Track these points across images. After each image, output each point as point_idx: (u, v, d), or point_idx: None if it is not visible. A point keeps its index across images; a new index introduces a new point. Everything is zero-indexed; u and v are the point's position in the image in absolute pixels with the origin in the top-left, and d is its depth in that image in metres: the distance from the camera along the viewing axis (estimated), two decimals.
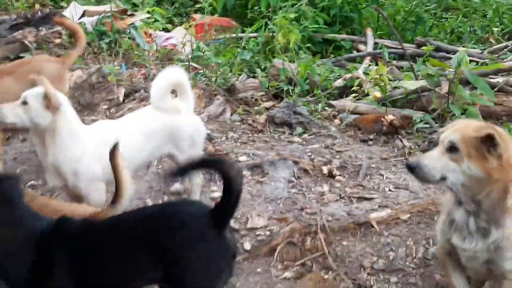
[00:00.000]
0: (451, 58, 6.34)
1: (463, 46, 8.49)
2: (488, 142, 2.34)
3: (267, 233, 3.60)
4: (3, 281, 2.41)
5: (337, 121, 5.72)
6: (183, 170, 2.45)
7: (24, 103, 3.23)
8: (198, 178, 3.96)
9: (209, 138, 5.05)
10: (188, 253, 2.28)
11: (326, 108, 5.93)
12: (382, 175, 4.40)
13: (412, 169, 2.51)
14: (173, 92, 3.92)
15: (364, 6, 9.52)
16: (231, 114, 5.83)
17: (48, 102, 3.21)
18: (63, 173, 3.34)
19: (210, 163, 2.55)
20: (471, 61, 6.90)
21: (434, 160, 2.46)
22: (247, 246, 3.47)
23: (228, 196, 2.34)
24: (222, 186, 2.37)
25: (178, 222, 2.34)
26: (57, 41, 7.89)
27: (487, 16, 10.52)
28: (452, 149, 2.43)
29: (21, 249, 2.37)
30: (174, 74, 3.76)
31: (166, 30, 8.74)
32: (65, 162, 3.31)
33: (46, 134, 3.27)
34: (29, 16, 9.27)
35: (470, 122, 2.53)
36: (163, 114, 3.67)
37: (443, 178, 2.45)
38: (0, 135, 4.70)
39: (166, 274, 2.31)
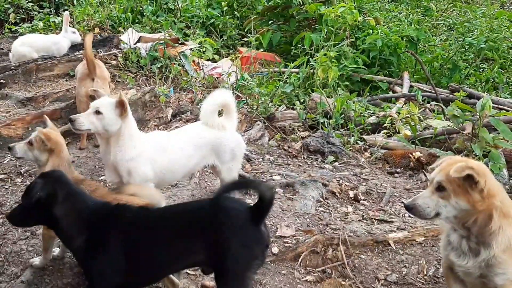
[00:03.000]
0: None
1: (497, 95, 8.74)
2: (469, 180, 2.74)
3: (294, 241, 3.99)
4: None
5: (367, 154, 6.11)
6: (227, 190, 2.89)
7: (98, 112, 3.73)
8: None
9: (247, 159, 5.49)
10: (230, 240, 2.71)
11: (358, 141, 6.34)
12: (404, 203, 4.72)
13: (409, 209, 2.95)
14: (219, 112, 4.39)
15: (403, 51, 9.87)
16: (269, 139, 6.30)
17: (121, 110, 3.70)
18: (119, 171, 3.84)
19: (251, 185, 2.92)
20: (501, 109, 7.27)
21: (427, 200, 2.87)
22: (275, 250, 3.85)
23: (261, 204, 2.77)
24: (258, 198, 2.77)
25: (223, 214, 2.77)
26: (113, 62, 8.49)
27: None
28: (440, 188, 2.84)
29: (78, 223, 2.82)
30: (224, 95, 4.26)
31: (213, 60, 9.27)
32: (122, 162, 3.81)
33: (111, 137, 3.77)
34: None
35: (452, 161, 2.89)
36: (211, 129, 4.15)
37: (437, 214, 2.86)
38: None
39: (210, 257, 2.74)
